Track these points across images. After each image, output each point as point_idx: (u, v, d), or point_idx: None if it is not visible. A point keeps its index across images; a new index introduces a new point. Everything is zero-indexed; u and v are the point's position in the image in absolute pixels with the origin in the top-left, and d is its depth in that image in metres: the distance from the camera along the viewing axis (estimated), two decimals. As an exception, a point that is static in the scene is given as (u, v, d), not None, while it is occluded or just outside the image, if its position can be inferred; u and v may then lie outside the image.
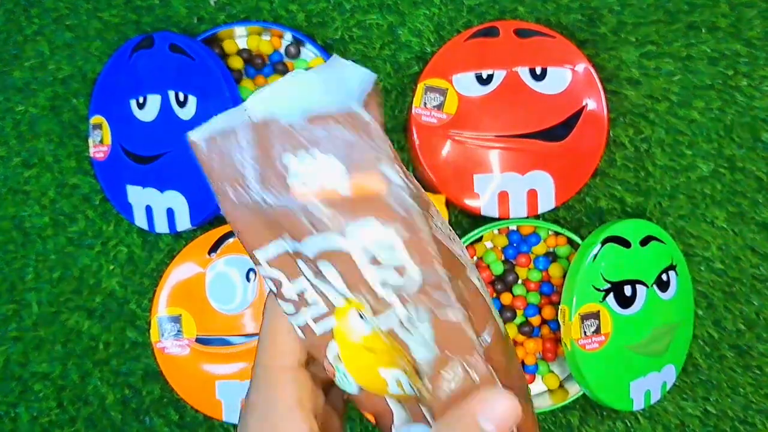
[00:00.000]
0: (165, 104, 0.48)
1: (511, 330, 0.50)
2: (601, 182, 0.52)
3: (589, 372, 0.45)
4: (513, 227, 0.51)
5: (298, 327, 0.24)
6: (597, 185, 0.52)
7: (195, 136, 0.21)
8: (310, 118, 0.19)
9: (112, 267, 0.52)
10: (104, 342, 0.51)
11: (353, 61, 0.29)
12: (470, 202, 0.49)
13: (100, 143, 0.50)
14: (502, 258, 0.51)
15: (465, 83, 0.48)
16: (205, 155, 0.22)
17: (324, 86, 0.21)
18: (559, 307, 0.46)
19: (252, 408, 0.25)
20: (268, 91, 0.22)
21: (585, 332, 0.45)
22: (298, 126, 0.19)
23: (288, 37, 0.51)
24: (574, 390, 0.49)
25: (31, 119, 0.52)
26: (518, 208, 0.49)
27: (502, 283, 0.51)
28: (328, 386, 0.26)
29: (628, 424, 0.51)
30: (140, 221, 0.50)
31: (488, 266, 0.51)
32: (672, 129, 0.52)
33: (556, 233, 0.50)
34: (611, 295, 0.45)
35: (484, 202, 0.49)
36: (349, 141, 0.19)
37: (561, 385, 0.51)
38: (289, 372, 0.25)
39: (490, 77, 0.48)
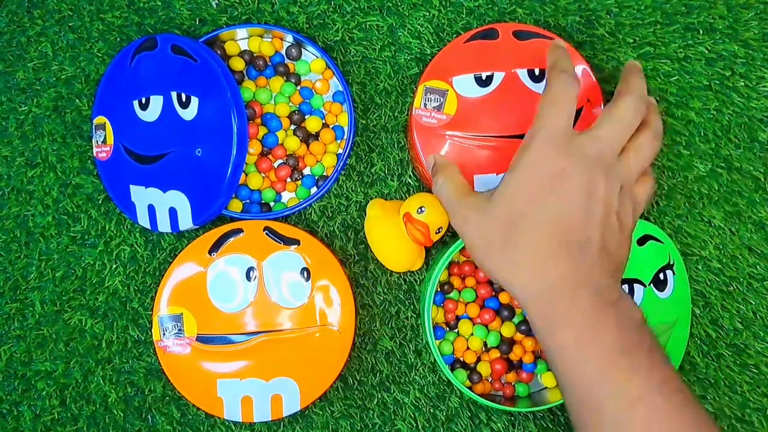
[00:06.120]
0: (167, 105, 0.48)
1: (510, 328, 0.51)
2: (599, 182, 0.52)
3: (587, 370, 0.46)
4: (512, 227, 0.51)
5: None
6: (595, 185, 0.52)
7: None
8: None
9: (114, 266, 0.52)
10: (107, 340, 0.52)
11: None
12: (469, 202, 0.49)
13: (103, 143, 0.51)
14: (501, 257, 0.52)
15: (464, 84, 0.49)
16: None
17: None
18: (558, 305, 0.46)
19: None
20: None
21: (583, 330, 0.45)
22: None
23: (289, 38, 0.52)
24: (572, 388, 0.49)
25: (34, 119, 0.53)
26: (517, 208, 0.49)
27: (501, 282, 0.51)
28: None
29: (626, 422, 0.52)
30: (143, 221, 0.50)
31: (487, 265, 0.51)
32: (669, 129, 0.52)
33: (555, 233, 0.50)
34: (609, 293, 0.46)
35: (483, 201, 0.49)
36: None
37: (559, 384, 0.51)
38: None
39: (489, 78, 0.49)
